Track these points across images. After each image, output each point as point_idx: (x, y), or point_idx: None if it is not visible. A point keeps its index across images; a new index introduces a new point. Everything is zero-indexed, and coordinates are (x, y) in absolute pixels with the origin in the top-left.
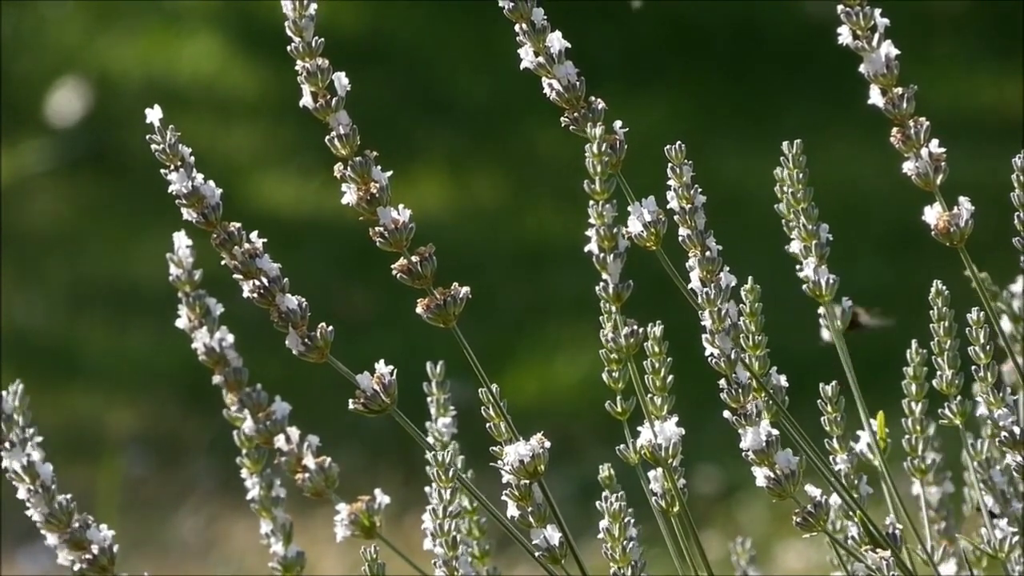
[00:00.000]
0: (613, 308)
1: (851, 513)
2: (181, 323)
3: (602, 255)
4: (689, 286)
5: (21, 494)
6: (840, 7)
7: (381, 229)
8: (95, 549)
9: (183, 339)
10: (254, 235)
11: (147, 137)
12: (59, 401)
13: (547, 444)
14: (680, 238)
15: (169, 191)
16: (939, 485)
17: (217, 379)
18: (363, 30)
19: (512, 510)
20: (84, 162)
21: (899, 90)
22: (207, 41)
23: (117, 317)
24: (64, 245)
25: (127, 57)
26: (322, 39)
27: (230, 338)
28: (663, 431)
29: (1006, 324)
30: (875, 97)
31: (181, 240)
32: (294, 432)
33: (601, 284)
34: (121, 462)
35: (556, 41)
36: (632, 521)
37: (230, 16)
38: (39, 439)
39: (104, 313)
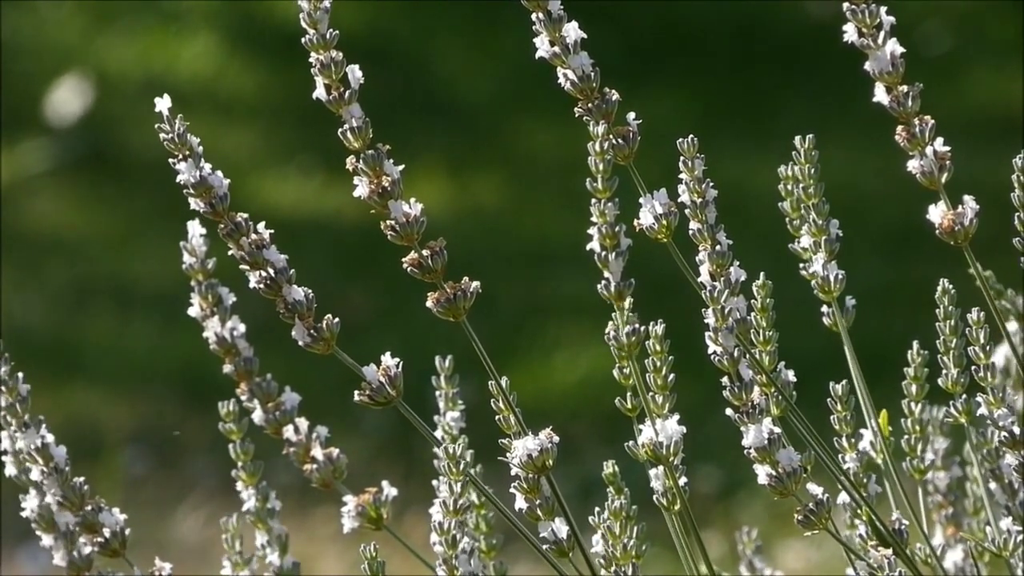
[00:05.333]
0: (624, 305)
1: (859, 511)
2: (193, 311)
3: (604, 253)
4: (699, 279)
5: (35, 475)
6: (846, 5)
7: (392, 223)
8: (107, 532)
9: (183, 339)
10: (261, 226)
11: (156, 126)
12: (59, 400)
13: (556, 439)
14: (691, 232)
15: (177, 181)
16: (947, 470)
17: (228, 369)
18: (362, 30)
19: (520, 503)
20: (84, 162)
21: (904, 88)
22: (206, 41)
23: (117, 316)
24: (64, 245)
25: (126, 57)
26: (336, 31)
27: (241, 327)
28: (664, 429)
29: (1012, 325)
30: (880, 95)
31: (195, 228)
32: (303, 423)
33: (603, 283)
34: (121, 461)
35: (572, 31)
36: (635, 513)
37: (229, 16)
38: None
39: (104, 312)
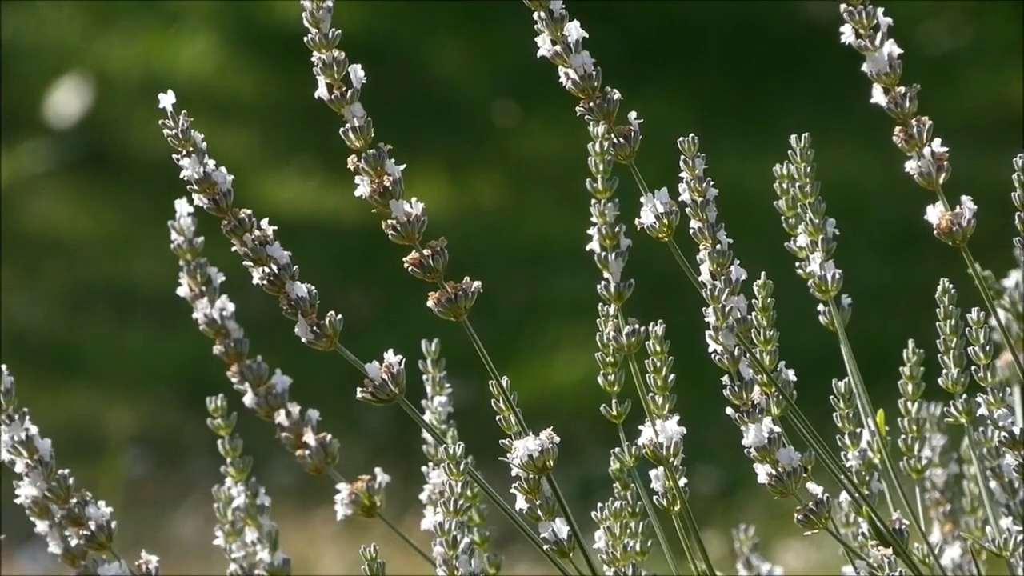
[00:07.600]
0: (611, 309)
1: (860, 511)
2: (182, 291)
3: (604, 254)
4: (700, 278)
5: (19, 468)
6: (843, 6)
7: (393, 222)
8: (93, 525)
9: (183, 339)
10: (264, 222)
11: (160, 122)
12: (59, 401)
13: (556, 439)
14: (691, 231)
15: (181, 176)
16: (944, 467)
17: (217, 349)
18: (361, 29)
19: (520, 503)
20: (84, 162)
21: (901, 89)
22: (205, 41)
23: (117, 317)
24: (63, 245)
25: (126, 57)
26: (339, 31)
27: (231, 307)
28: (664, 430)
29: (1002, 315)
30: (878, 96)
31: (183, 207)
32: (295, 407)
33: (602, 283)
34: (121, 462)
35: (574, 30)
36: (638, 513)
37: (228, 16)
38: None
39: (104, 313)
